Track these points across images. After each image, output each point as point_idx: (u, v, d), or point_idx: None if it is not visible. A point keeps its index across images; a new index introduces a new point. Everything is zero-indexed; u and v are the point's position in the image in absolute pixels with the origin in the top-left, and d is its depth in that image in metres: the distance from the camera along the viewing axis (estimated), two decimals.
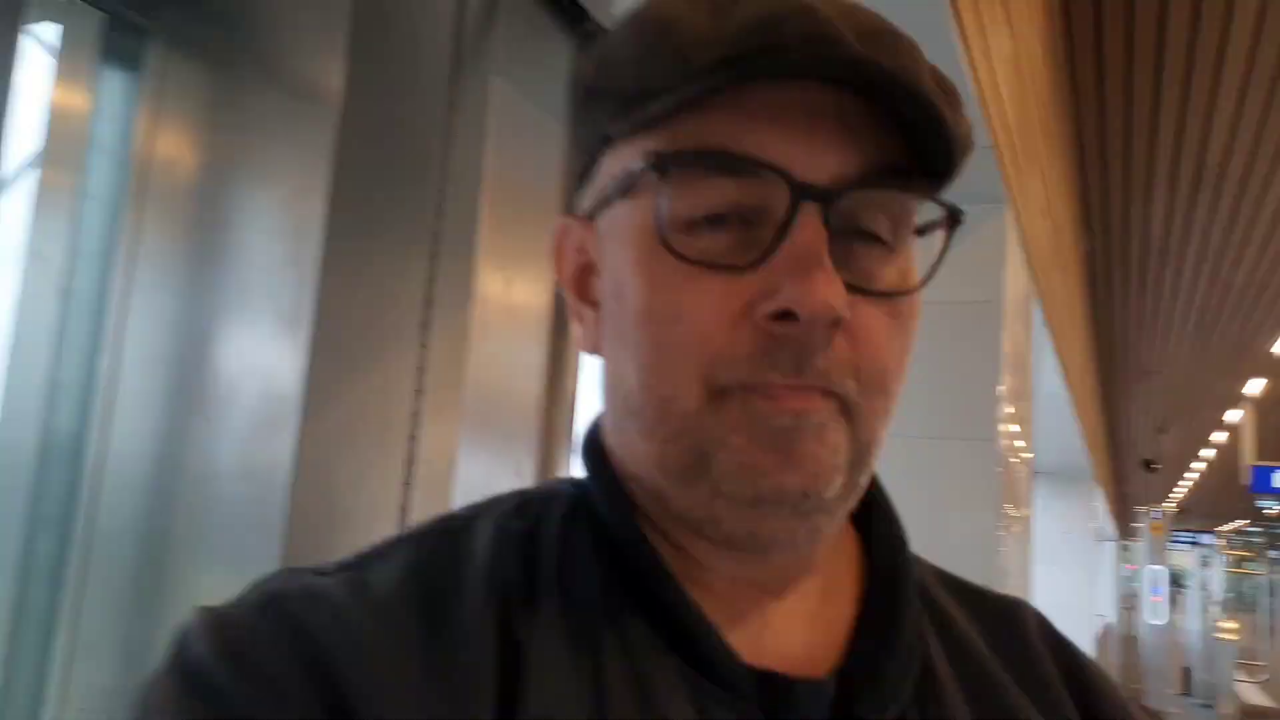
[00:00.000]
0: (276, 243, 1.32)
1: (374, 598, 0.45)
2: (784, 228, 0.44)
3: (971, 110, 1.87)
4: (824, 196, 0.43)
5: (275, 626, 0.44)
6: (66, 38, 1.50)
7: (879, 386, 0.47)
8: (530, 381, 1.42)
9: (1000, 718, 0.51)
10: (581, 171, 0.53)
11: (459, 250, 1.30)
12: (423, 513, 1.32)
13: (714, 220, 0.45)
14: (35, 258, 1.47)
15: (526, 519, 0.52)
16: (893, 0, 1.51)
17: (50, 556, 1.42)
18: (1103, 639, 10.11)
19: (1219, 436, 13.63)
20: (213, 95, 1.43)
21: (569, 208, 0.56)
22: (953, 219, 0.49)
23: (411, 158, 1.34)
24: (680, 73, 0.44)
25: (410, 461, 1.28)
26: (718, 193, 0.45)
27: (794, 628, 0.50)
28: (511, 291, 1.36)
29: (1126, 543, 21.14)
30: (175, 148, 1.45)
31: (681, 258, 0.45)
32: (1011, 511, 2.56)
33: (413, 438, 1.29)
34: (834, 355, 0.44)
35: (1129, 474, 17.19)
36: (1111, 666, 12.10)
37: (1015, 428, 2.86)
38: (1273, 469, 10.24)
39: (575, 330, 0.55)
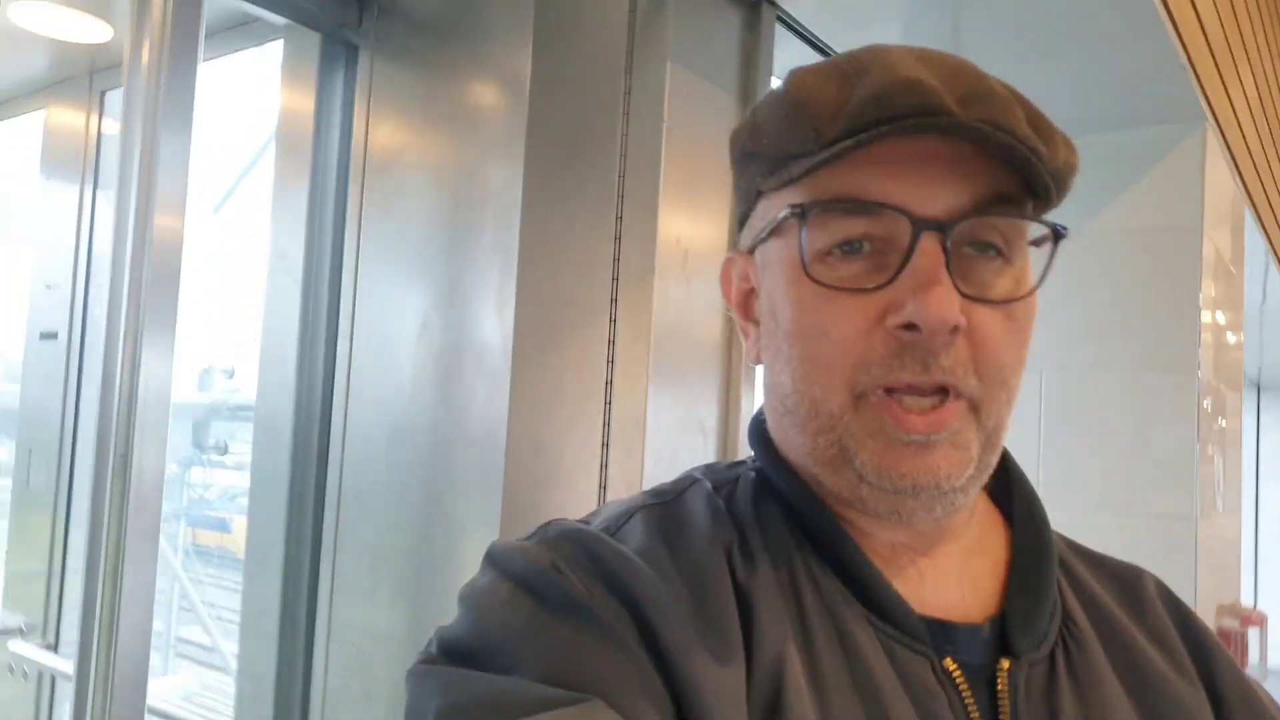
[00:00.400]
0: (485, 231, 1.46)
1: (638, 548, 0.56)
2: (907, 254, 0.53)
3: (1159, 32, 1.78)
4: (939, 226, 0.53)
5: (578, 553, 0.55)
6: (288, 54, 1.70)
7: (999, 380, 0.56)
8: (709, 348, 1.52)
9: (1133, 661, 0.60)
10: (743, 216, 0.65)
11: (641, 230, 1.41)
12: (620, 468, 1.45)
13: (848, 251, 0.55)
14: (278, 255, 1.69)
15: (723, 494, 0.63)
16: None
17: (312, 517, 1.66)
18: None
19: None
20: (418, 96, 1.58)
21: (734, 245, 0.68)
22: (1056, 235, 0.57)
23: (595, 143, 1.45)
24: (815, 141, 0.54)
25: (607, 423, 1.41)
26: (849, 228, 0.55)
27: (947, 584, 0.60)
28: (689, 263, 1.45)
29: None
30: (390, 147, 1.62)
31: (820, 283, 0.55)
32: (1220, 426, 2.44)
33: (608, 402, 1.42)
34: (956, 355, 0.54)
35: None
36: None
37: (1231, 337, 2.71)
38: None
39: (744, 344, 0.67)
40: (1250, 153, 2.85)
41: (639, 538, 0.57)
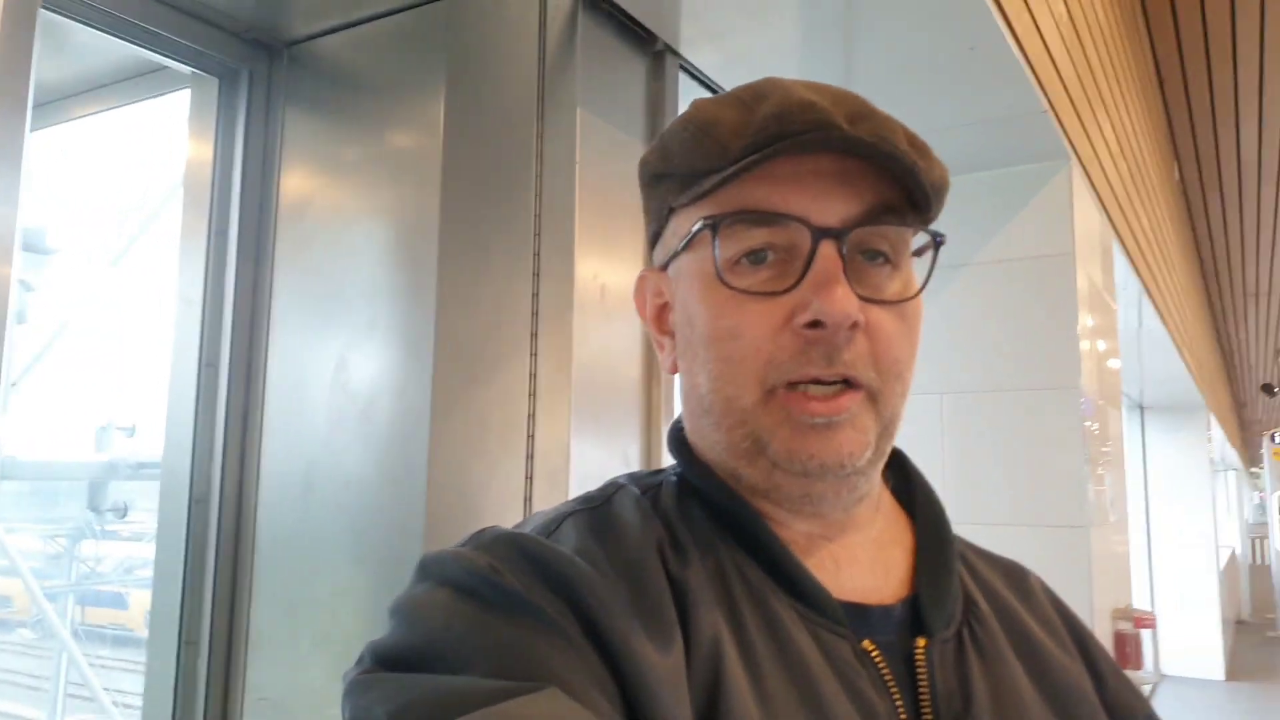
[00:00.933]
0: (400, 273, 1.48)
1: (573, 549, 0.58)
2: (809, 260, 0.59)
3: (1022, 81, 1.93)
4: (836, 234, 0.59)
5: (514, 554, 0.56)
6: (195, 102, 1.69)
7: (895, 374, 0.62)
8: (629, 380, 1.56)
9: (1027, 642, 0.66)
10: (655, 234, 0.70)
11: (558, 269, 1.45)
12: (545, 503, 1.47)
13: (755, 260, 0.61)
14: (184, 304, 1.67)
15: (649, 497, 0.66)
16: None
17: (225, 572, 1.61)
18: (1228, 569, 9.81)
19: None
20: (331, 143, 1.60)
21: (647, 263, 0.73)
22: (936, 243, 0.64)
23: (509, 187, 1.49)
24: (723, 157, 0.60)
25: (530, 459, 1.44)
26: (755, 238, 0.60)
27: (860, 570, 0.65)
28: (606, 298, 1.50)
29: (1254, 470, 20.32)
30: (302, 193, 1.63)
31: (733, 289, 0.61)
32: (1104, 449, 2.60)
33: (531, 437, 1.44)
34: (856, 350, 0.59)
35: (1249, 400, 16.51)
36: (1238, 596, 11.72)
37: (1110, 361, 2.89)
38: None
39: (660, 357, 0.71)
40: (1113, 189, 3.07)
41: (573, 539, 0.60)
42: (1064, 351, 2.36)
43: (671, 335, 0.68)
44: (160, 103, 1.81)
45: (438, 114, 1.47)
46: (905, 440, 0.67)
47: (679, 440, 0.70)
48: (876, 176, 0.60)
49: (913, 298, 0.63)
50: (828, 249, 0.59)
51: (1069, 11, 2.18)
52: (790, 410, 0.59)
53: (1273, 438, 12.19)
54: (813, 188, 0.60)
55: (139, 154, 1.97)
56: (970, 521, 2.34)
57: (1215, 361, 10.07)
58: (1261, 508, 18.70)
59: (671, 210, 0.66)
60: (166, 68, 1.65)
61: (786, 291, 0.59)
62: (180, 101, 1.73)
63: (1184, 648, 8.41)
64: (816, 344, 0.58)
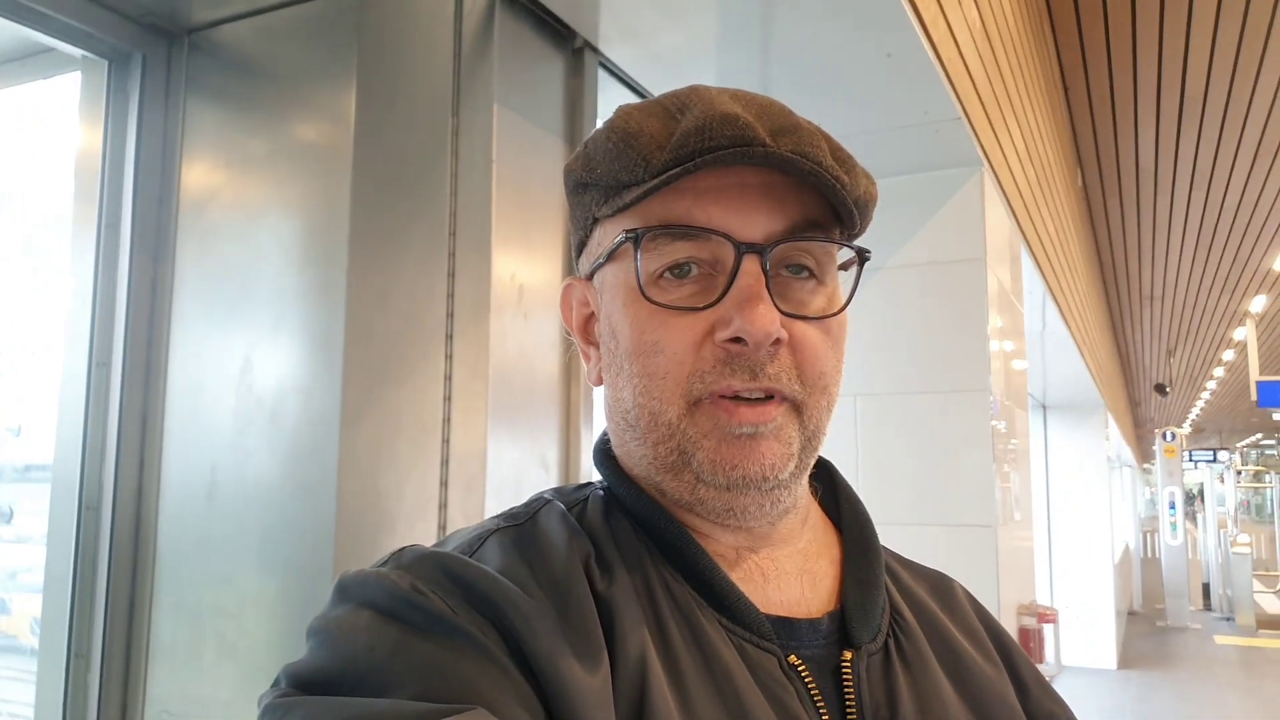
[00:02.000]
0: (309, 270, 1.43)
1: (497, 567, 0.57)
2: (732, 275, 0.58)
3: (938, 87, 1.96)
4: (759, 249, 0.58)
5: (436, 573, 0.55)
6: (86, 89, 1.61)
7: (820, 387, 0.62)
8: (547, 382, 1.54)
9: (951, 652, 0.67)
10: (580, 243, 0.69)
11: (474, 268, 1.41)
12: (460, 509, 1.43)
13: (678, 273, 0.60)
14: (78, 300, 1.59)
15: (574, 512, 0.65)
16: (852, 5, 1.60)
17: (118, 572, 1.54)
18: (1122, 563, 10.25)
19: (1228, 355, 13.70)
20: (237, 135, 1.53)
21: (572, 271, 0.72)
22: (861, 258, 0.64)
23: (424, 183, 1.45)
24: (645, 170, 0.60)
25: (446, 462, 1.40)
26: (678, 252, 0.59)
27: (788, 584, 0.64)
28: (524, 299, 1.47)
29: (1147, 466, 21.28)
30: (206, 186, 1.56)
31: (655, 304, 0.60)
32: (1011, 450, 2.67)
33: (446, 440, 1.40)
34: (780, 364, 0.59)
35: (1143, 399, 17.30)
36: (1131, 588, 12.25)
37: (1017, 363, 2.97)
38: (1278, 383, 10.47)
39: (585, 367, 0.69)
40: (1021, 194, 3.16)
41: (497, 558, 0.58)
42: (974, 355, 2.42)
43: (597, 346, 0.67)
44: (53, 85, 1.71)
45: (349, 106, 1.42)
46: None
47: (605, 454, 0.68)
48: (800, 190, 0.60)
49: (837, 314, 0.63)
50: (750, 264, 0.58)
51: (982, 19, 2.23)
52: (718, 418, 0.59)
53: (1164, 435, 12.78)
54: (736, 201, 0.59)
55: (27, 139, 1.86)
56: (882, 521, 2.37)
57: (1113, 362, 10.51)
58: (1153, 503, 19.59)
59: (596, 220, 0.65)
60: (54, 49, 1.57)
61: (709, 307, 0.59)
62: (71, 85, 1.64)
63: (1081, 639, 8.76)
64: (739, 358, 0.58)
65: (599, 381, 0.67)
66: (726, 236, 0.58)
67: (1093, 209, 6.92)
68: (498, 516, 0.65)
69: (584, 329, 0.70)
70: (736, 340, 0.57)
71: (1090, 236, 7.27)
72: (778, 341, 0.58)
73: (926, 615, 0.68)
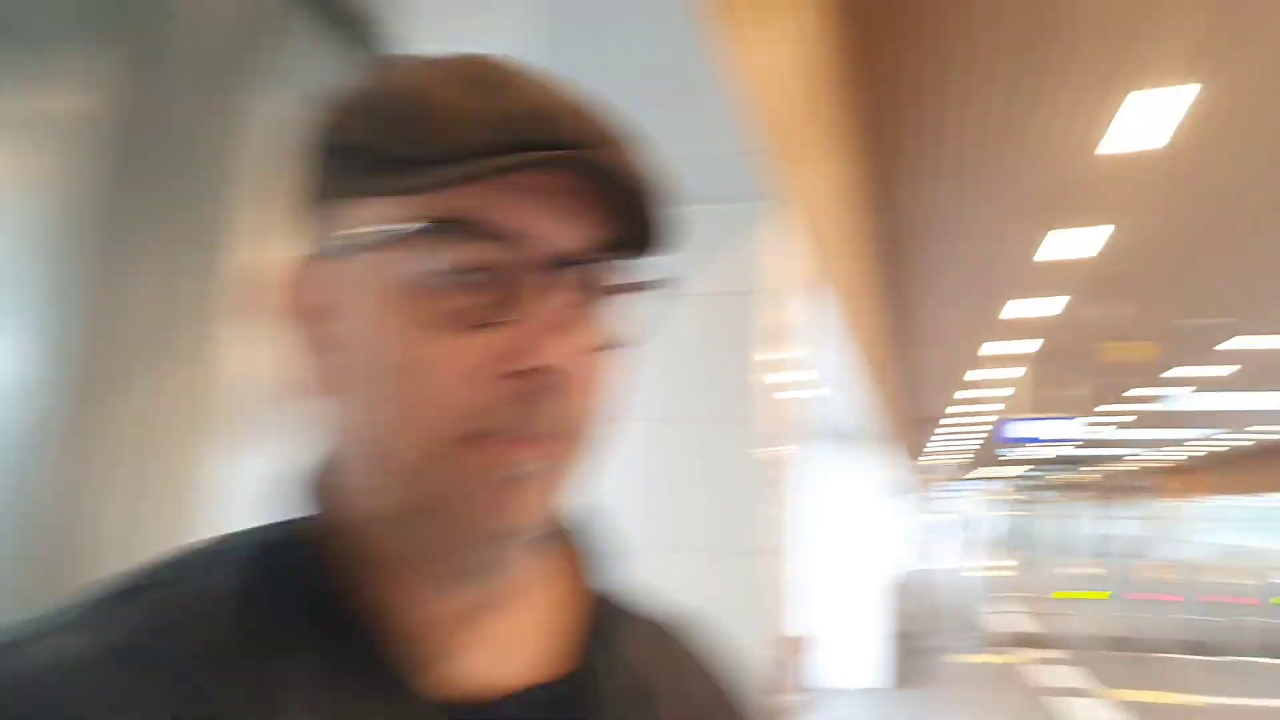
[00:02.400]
0: (23, 261, 1.27)
1: (109, 644, 0.47)
2: (518, 295, 0.49)
3: (739, 120, 2.00)
4: (554, 268, 0.50)
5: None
6: None
7: (595, 426, 0.54)
8: (282, 399, 1.44)
9: (681, 700, 0.63)
10: (320, 216, 0.54)
11: (246, 262, 1.31)
12: (177, 538, 1.29)
13: (460, 284, 0.49)
14: None
15: (244, 567, 0.53)
16: (650, 28, 1.61)
17: None
18: (890, 586, 10.91)
19: (991, 393, 15.08)
20: None
21: (295, 244, 0.57)
22: (664, 284, 0.56)
23: (181, 171, 1.32)
24: (441, 149, 0.48)
25: (160, 485, 1.27)
26: (464, 257, 0.49)
27: (521, 642, 0.57)
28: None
29: (925, 495, 22.80)
30: None
31: (429, 317, 0.49)
32: (776, 478, 2.76)
33: (186, 458, 1.28)
34: (562, 402, 0.50)
35: (921, 432, 18.65)
36: (897, 610, 13.11)
37: (793, 395, 3.08)
38: (1007, 422, 12.73)
39: (303, 369, 0.55)
40: (820, 231, 3.29)
41: (110, 635, 0.47)
42: (745, 385, 2.48)
43: (326, 348, 0.54)
44: None
45: (103, 72, 1.28)
46: None
47: (316, 487, 0.56)
48: (609, 207, 0.52)
49: (632, 343, 0.57)
50: (553, 283, 0.50)
51: (790, 57, 2.29)
52: (483, 460, 0.50)
53: (931, 467, 13.83)
54: (545, 207, 0.50)
55: None
56: (649, 548, 2.40)
57: (893, 394, 11.21)
58: (918, 529, 20.95)
59: (354, 194, 0.52)
60: None
61: (489, 327, 0.49)
62: None
63: (850, 660, 9.23)
64: (518, 394, 0.49)
65: (323, 392, 0.54)
66: (526, 245, 0.50)
67: (884, 255, 7.39)
68: (138, 571, 0.52)
69: (312, 323, 0.54)
70: (524, 370, 0.49)
71: (882, 279, 7.75)
72: (562, 375, 0.50)
73: (655, 666, 0.64)
